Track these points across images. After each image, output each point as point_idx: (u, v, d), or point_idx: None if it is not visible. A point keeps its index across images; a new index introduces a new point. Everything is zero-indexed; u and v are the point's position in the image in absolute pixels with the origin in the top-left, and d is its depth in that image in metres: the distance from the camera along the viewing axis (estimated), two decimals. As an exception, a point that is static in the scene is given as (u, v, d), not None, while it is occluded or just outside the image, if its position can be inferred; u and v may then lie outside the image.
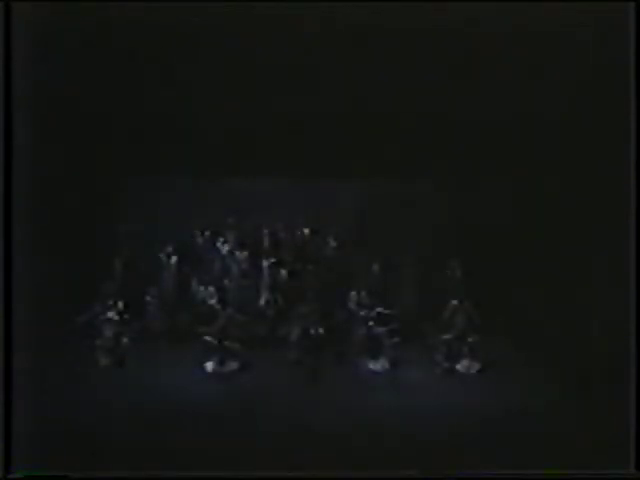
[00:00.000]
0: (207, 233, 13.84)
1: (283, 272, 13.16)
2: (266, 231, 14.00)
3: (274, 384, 10.81)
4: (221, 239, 13.66)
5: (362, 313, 12.10)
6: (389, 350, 11.55)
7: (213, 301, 12.68)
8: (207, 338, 11.49)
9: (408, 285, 13.23)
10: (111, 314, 11.71)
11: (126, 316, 11.76)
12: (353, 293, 12.66)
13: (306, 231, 14.10)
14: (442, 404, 10.21)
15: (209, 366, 11.33)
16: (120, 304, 11.84)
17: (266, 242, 13.86)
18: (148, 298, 12.49)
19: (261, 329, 12.67)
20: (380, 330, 11.62)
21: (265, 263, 13.32)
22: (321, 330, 11.46)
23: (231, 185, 14.12)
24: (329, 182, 14.27)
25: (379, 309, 11.92)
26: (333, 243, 13.85)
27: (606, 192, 11.22)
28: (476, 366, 11.41)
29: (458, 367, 11.45)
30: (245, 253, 13.49)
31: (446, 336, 11.60)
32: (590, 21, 10.73)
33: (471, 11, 10.92)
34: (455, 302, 12.09)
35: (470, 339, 11.51)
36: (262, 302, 12.98)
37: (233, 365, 11.37)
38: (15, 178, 8.70)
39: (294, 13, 10.92)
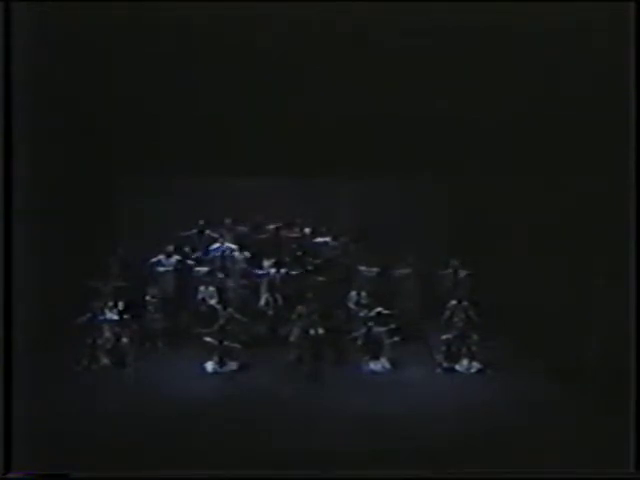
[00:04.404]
0: (207, 232, 13.86)
1: (283, 272, 13.15)
2: (266, 231, 14.04)
3: (274, 384, 10.80)
4: (221, 239, 13.65)
5: (362, 313, 12.10)
6: (389, 350, 11.54)
7: (213, 301, 12.69)
8: (207, 339, 11.49)
9: (408, 285, 13.21)
10: (111, 314, 11.72)
11: (126, 316, 11.76)
12: (353, 293, 12.67)
13: (306, 231, 14.13)
14: (441, 404, 10.20)
15: (209, 366, 11.32)
16: (120, 304, 11.85)
17: (266, 242, 13.89)
18: (148, 298, 12.48)
19: (261, 329, 12.67)
20: (380, 330, 11.61)
21: (265, 263, 13.33)
22: (321, 330, 11.45)
23: (231, 185, 14.15)
24: (329, 182, 14.30)
25: (379, 309, 11.91)
26: (333, 243, 13.87)
27: (606, 192, 11.22)
28: (476, 366, 11.41)
29: (458, 367, 11.45)
30: (245, 253, 13.50)
31: (446, 336, 11.60)
32: (590, 21, 10.72)
33: (470, 11, 10.91)
34: (455, 302, 12.11)
35: (470, 339, 11.51)
36: (262, 302, 12.98)
37: (233, 365, 11.36)
38: (15, 178, 8.69)
39: (296, 13, 10.93)
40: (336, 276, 13.19)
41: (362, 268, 13.04)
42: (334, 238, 13.84)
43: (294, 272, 13.16)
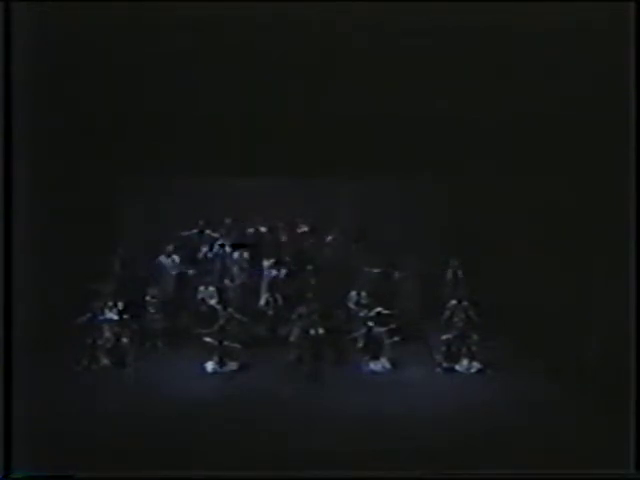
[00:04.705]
0: (207, 232, 13.87)
1: (283, 272, 13.15)
2: (266, 231, 14.04)
3: (274, 384, 10.80)
4: (221, 239, 13.67)
5: (362, 313, 12.09)
6: (389, 350, 11.54)
7: (213, 301, 12.69)
8: (207, 339, 11.48)
9: (408, 285, 13.20)
10: (111, 314, 11.72)
11: (126, 316, 11.76)
12: (353, 293, 12.66)
13: (305, 230, 14.13)
14: (441, 404, 10.20)
15: (209, 366, 11.32)
16: (120, 304, 11.85)
17: (266, 242, 13.90)
18: (148, 298, 12.47)
19: (261, 329, 12.67)
20: (380, 330, 11.61)
21: (265, 263, 13.33)
22: (321, 330, 11.44)
23: (231, 185, 14.14)
24: (329, 182, 14.30)
25: (379, 309, 11.91)
26: (332, 242, 13.86)
27: (606, 191, 11.23)
28: (476, 366, 11.40)
29: (458, 367, 11.45)
30: (245, 253, 13.50)
31: (446, 336, 11.60)
32: (590, 21, 10.73)
33: (470, 11, 10.91)
34: (455, 302, 12.10)
35: (470, 339, 11.50)
36: (262, 302, 12.98)
37: (233, 365, 11.36)
38: (15, 178, 8.70)
39: (296, 13, 10.93)
40: (336, 276, 13.19)
41: (366, 269, 13.04)
42: (334, 238, 13.85)
43: (294, 272, 13.17)
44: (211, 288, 12.87)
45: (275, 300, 12.74)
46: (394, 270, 13.20)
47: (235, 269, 13.33)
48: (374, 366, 11.47)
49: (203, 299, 12.80)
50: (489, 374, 11.29)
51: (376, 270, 13.14)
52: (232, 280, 13.14)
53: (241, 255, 13.49)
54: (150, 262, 13.37)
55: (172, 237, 13.56)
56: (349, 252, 13.75)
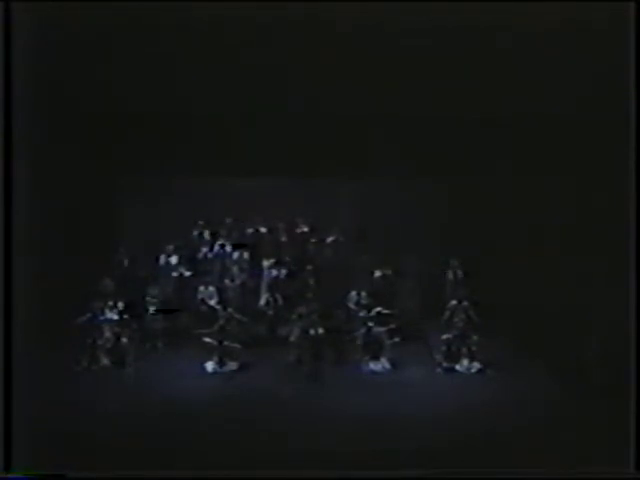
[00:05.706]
0: (207, 233, 13.87)
1: (283, 272, 13.15)
2: (266, 231, 14.05)
3: (274, 384, 10.80)
4: (221, 239, 13.67)
5: (362, 313, 12.10)
6: (389, 350, 11.54)
7: (213, 301, 12.69)
8: (207, 339, 11.48)
9: (408, 285, 13.21)
10: (111, 314, 11.73)
11: (126, 316, 11.77)
12: (353, 293, 12.66)
13: (305, 230, 14.14)
14: (442, 404, 10.20)
15: (209, 366, 11.32)
16: (120, 304, 11.85)
17: (266, 242, 13.90)
18: (148, 298, 12.46)
19: (261, 329, 12.67)
20: (380, 330, 11.61)
21: (265, 263, 13.33)
22: (321, 330, 11.44)
23: (231, 185, 14.15)
24: (329, 182, 14.30)
25: (379, 309, 11.91)
26: (332, 243, 13.86)
27: (606, 192, 11.23)
28: (476, 366, 11.40)
29: (458, 367, 11.45)
30: (245, 253, 13.50)
31: (446, 336, 11.60)
32: (590, 21, 10.73)
33: (471, 11, 10.91)
34: (455, 302, 12.10)
35: (470, 339, 11.50)
36: (262, 302, 12.98)
37: (233, 365, 11.36)
38: (15, 178, 8.70)
39: (296, 14, 10.93)
40: (336, 276, 13.19)
41: (365, 269, 13.05)
42: (334, 238, 13.85)
43: (294, 272, 13.17)
44: (211, 288, 12.88)
45: (275, 300, 12.75)
46: (394, 270, 13.19)
47: (235, 269, 13.33)
48: (374, 366, 11.47)
49: (203, 299, 12.81)
50: (489, 374, 11.29)
51: (376, 270, 13.13)
52: (232, 280, 13.14)
53: (241, 255, 13.50)
54: (150, 262, 13.37)
55: (172, 237, 13.55)
56: (349, 252, 13.75)
